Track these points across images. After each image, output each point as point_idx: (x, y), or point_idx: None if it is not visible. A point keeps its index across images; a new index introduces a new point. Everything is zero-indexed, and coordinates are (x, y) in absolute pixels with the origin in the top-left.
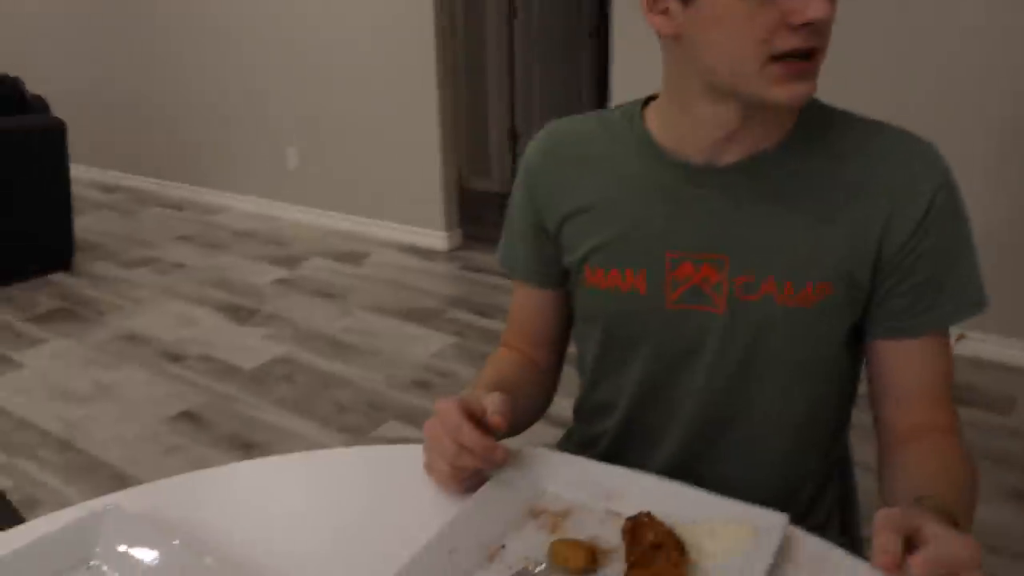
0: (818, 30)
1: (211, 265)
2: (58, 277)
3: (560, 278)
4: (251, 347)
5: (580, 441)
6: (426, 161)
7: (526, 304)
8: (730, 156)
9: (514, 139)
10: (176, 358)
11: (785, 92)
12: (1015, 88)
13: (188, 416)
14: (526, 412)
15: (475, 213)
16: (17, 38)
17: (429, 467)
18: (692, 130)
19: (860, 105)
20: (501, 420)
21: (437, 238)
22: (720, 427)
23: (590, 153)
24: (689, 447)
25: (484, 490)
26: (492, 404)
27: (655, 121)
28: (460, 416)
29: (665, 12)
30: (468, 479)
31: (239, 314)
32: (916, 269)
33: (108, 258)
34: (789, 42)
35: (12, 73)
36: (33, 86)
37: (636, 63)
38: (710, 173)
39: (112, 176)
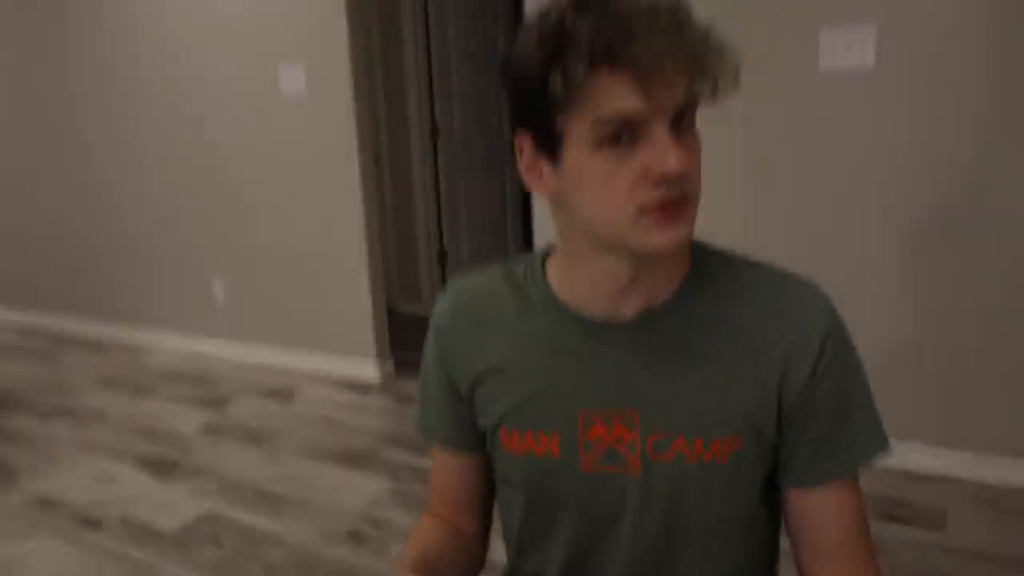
0: (681, 180)
1: (134, 413)
2: None
3: (478, 442)
4: (174, 505)
5: None
6: (354, 288)
7: (446, 469)
8: (629, 309)
9: (443, 261)
10: (92, 524)
11: (660, 239)
12: (914, 198)
13: None
14: None
15: (406, 338)
16: None
17: None
18: (588, 285)
19: (757, 220)
20: None
21: (368, 367)
22: None
23: (496, 311)
24: None
25: None
26: None
27: (555, 276)
28: None
29: (540, 174)
30: None
31: (162, 468)
32: (814, 419)
33: (23, 411)
34: (652, 196)
35: None
36: None
37: None
38: (612, 329)
39: (30, 318)
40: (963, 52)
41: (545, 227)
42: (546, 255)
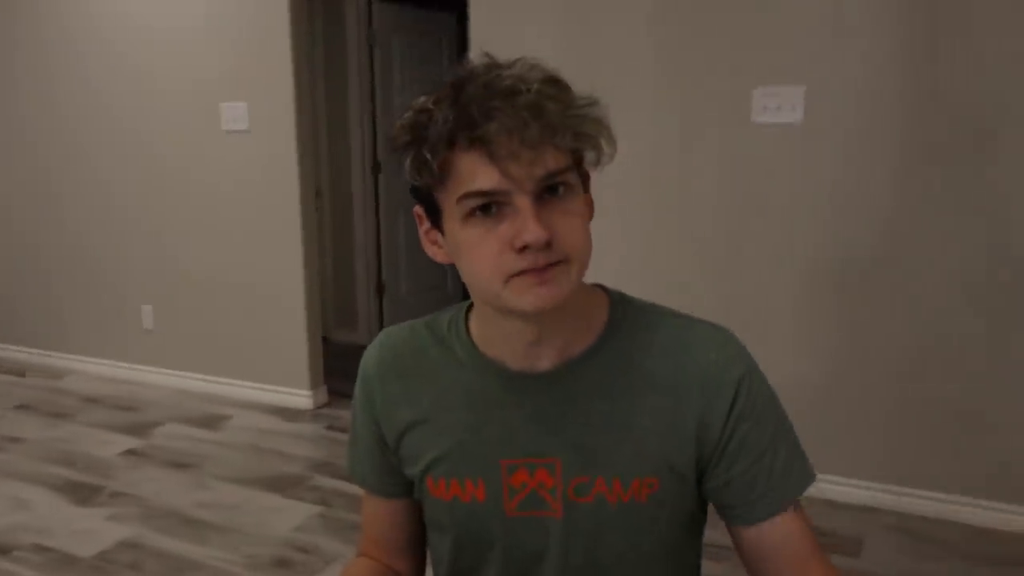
0: (548, 247)
1: (52, 437)
2: None
3: (406, 488)
4: (93, 531)
5: None
6: (290, 317)
7: (377, 513)
8: (545, 362)
9: (380, 292)
10: (4, 550)
11: (532, 300)
12: (836, 244)
13: None
14: None
15: (341, 367)
16: None
17: None
18: (502, 340)
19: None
20: None
21: (301, 397)
22: None
23: (421, 365)
24: None
25: None
26: None
27: (475, 330)
28: None
29: (435, 242)
30: None
31: (80, 493)
32: (737, 459)
33: None
34: (519, 263)
35: None
36: None
37: None
38: (530, 379)
39: None
40: (883, 111)
41: None
42: (470, 308)
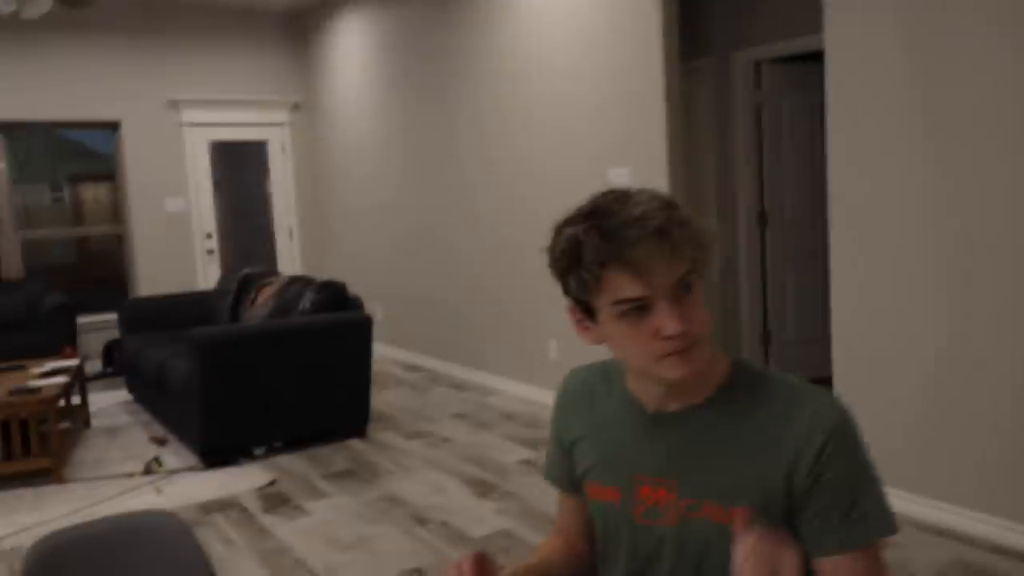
0: (684, 333)
1: (473, 442)
2: (354, 442)
3: (579, 486)
4: (483, 518)
5: None
6: None
7: (563, 504)
8: (673, 406)
9: (766, 341)
10: (422, 521)
11: (676, 373)
12: None
13: (418, 573)
14: None
15: None
16: (350, 254)
17: None
18: (644, 389)
19: None
20: None
21: None
22: None
23: (591, 394)
24: None
25: None
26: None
27: (629, 376)
28: (471, 561)
29: (587, 328)
30: None
31: (482, 488)
32: (819, 498)
33: (395, 429)
34: (665, 347)
35: (342, 279)
36: (357, 288)
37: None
38: (661, 418)
39: (414, 357)
40: None
41: (841, 314)
42: None
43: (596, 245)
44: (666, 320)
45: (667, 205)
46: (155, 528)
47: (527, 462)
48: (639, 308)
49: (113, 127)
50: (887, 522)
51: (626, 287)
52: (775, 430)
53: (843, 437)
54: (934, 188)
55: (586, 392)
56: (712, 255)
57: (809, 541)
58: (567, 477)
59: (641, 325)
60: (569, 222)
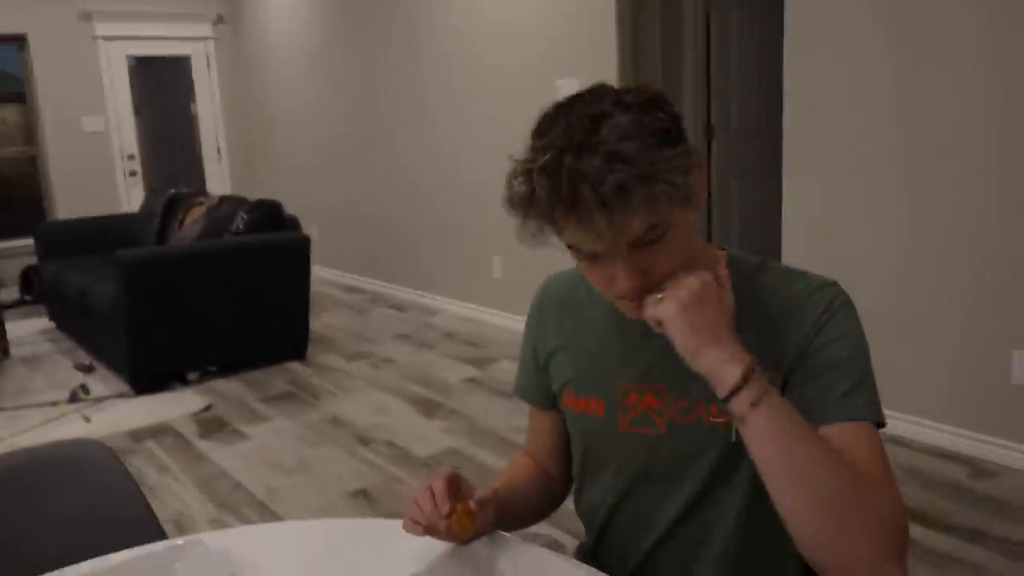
0: (640, 286)
1: (416, 362)
2: (293, 365)
3: (554, 401)
4: (429, 438)
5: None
6: None
7: (534, 423)
8: None
9: None
10: (365, 442)
11: (632, 315)
12: None
13: (363, 494)
14: (525, 510)
15: None
16: (283, 174)
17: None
18: None
19: None
20: (474, 507)
21: None
22: (694, 545)
23: (572, 301)
24: (669, 561)
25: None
26: (477, 496)
27: None
28: (443, 482)
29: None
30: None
31: (426, 407)
32: (816, 361)
33: (335, 351)
34: (620, 293)
35: (276, 199)
36: (291, 209)
37: None
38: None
39: (353, 279)
40: None
41: (792, 228)
42: None
43: (548, 197)
44: (619, 275)
45: (638, 153)
46: (78, 457)
47: (472, 380)
48: (593, 256)
49: (19, 41)
50: (877, 408)
51: (577, 239)
52: (775, 316)
53: (841, 311)
54: (895, 92)
55: (568, 298)
56: (685, 206)
57: (810, 412)
58: (542, 392)
59: (596, 269)
60: (527, 164)
